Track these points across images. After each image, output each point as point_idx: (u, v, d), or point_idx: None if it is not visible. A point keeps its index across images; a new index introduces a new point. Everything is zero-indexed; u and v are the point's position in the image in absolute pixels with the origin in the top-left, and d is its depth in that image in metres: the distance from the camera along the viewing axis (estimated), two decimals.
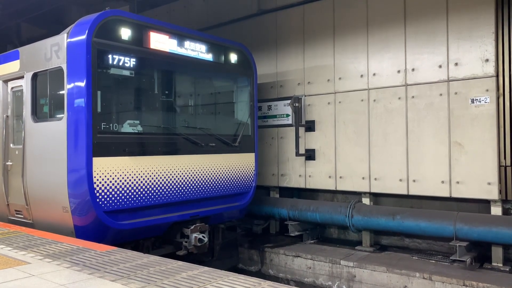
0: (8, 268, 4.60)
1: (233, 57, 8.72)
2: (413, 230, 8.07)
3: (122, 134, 6.76)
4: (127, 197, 6.62)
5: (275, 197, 10.56)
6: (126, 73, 6.94)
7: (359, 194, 9.15)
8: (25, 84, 7.40)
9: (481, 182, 7.49)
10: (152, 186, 6.99)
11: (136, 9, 12.16)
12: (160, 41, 7.28)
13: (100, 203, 6.28)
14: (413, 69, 8.29)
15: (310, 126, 9.75)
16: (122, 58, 6.74)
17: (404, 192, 8.37)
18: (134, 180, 6.73)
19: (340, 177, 9.25)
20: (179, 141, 7.54)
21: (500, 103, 7.46)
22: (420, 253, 8.42)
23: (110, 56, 6.59)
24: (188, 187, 7.60)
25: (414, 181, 8.22)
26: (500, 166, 7.40)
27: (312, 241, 9.78)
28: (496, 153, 7.38)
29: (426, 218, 7.86)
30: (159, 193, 7.09)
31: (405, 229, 8.16)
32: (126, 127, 6.90)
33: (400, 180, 8.38)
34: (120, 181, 6.54)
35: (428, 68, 8.11)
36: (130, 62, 6.87)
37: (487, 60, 7.49)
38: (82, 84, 6.26)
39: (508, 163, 7.39)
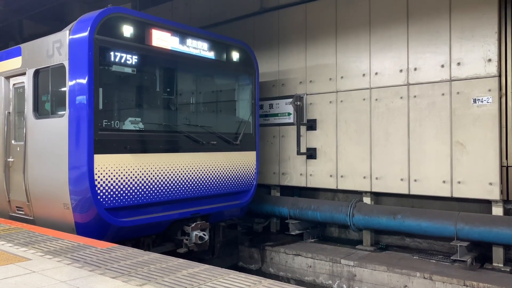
0: (9, 264, 4.60)
1: (235, 55, 8.71)
2: (414, 230, 8.07)
3: (124, 132, 6.76)
4: (128, 194, 6.62)
5: (276, 195, 10.56)
6: (128, 70, 6.94)
7: (360, 193, 9.14)
8: (27, 81, 7.40)
9: (482, 182, 7.48)
10: (153, 184, 6.99)
11: (139, 6, 12.15)
12: (162, 39, 7.27)
13: (101, 200, 6.29)
14: (415, 69, 8.27)
15: (311, 125, 9.74)
16: (124, 55, 6.73)
17: (405, 191, 8.36)
18: (135, 177, 6.73)
19: (341, 176, 9.25)
20: (180, 139, 7.54)
21: (502, 103, 7.44)
22: (421, 253, 8.41)
23: (112, 53, 6.58)
24: (189, 185, 7.60)
25: (415, 180, 8.21)
26: (501, 166, 7.39)
27: (312, 240, 9.78)
28: (498, 153, 7.36)
29: (427, 217, 7.86)
30: (160, 191, 7.09)
31: (406, 229, 8.15)
32: (128, 125, 6.90)
33: (401, 179, 8.37)
34: (121, 178, 6.54)
35: (431, 67, 8.09)
36: (132, 59, 6.87)
37: (489, 60, 7.47)
38: (84, 81, 6.26)
39: (510, 163, 7.38)
